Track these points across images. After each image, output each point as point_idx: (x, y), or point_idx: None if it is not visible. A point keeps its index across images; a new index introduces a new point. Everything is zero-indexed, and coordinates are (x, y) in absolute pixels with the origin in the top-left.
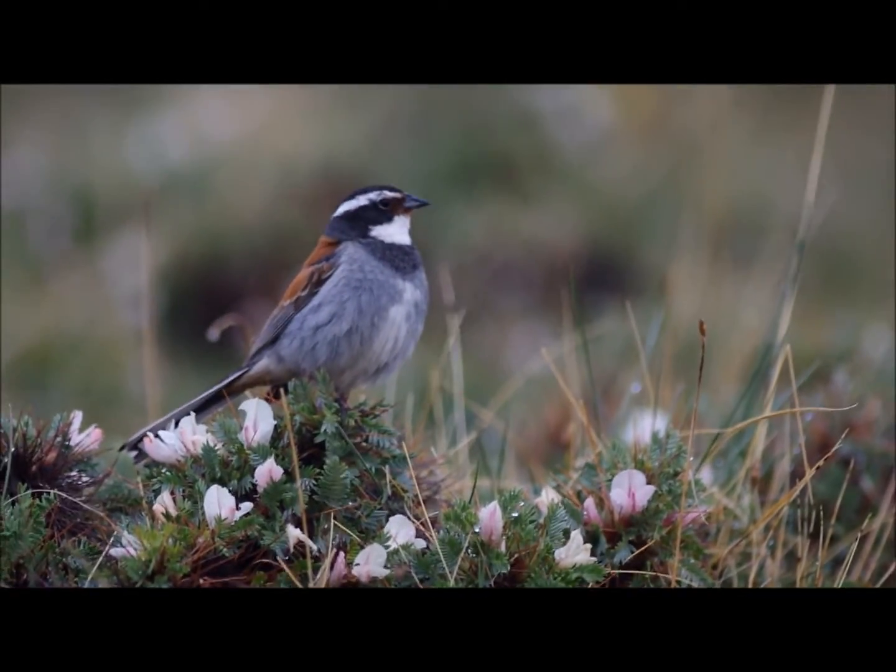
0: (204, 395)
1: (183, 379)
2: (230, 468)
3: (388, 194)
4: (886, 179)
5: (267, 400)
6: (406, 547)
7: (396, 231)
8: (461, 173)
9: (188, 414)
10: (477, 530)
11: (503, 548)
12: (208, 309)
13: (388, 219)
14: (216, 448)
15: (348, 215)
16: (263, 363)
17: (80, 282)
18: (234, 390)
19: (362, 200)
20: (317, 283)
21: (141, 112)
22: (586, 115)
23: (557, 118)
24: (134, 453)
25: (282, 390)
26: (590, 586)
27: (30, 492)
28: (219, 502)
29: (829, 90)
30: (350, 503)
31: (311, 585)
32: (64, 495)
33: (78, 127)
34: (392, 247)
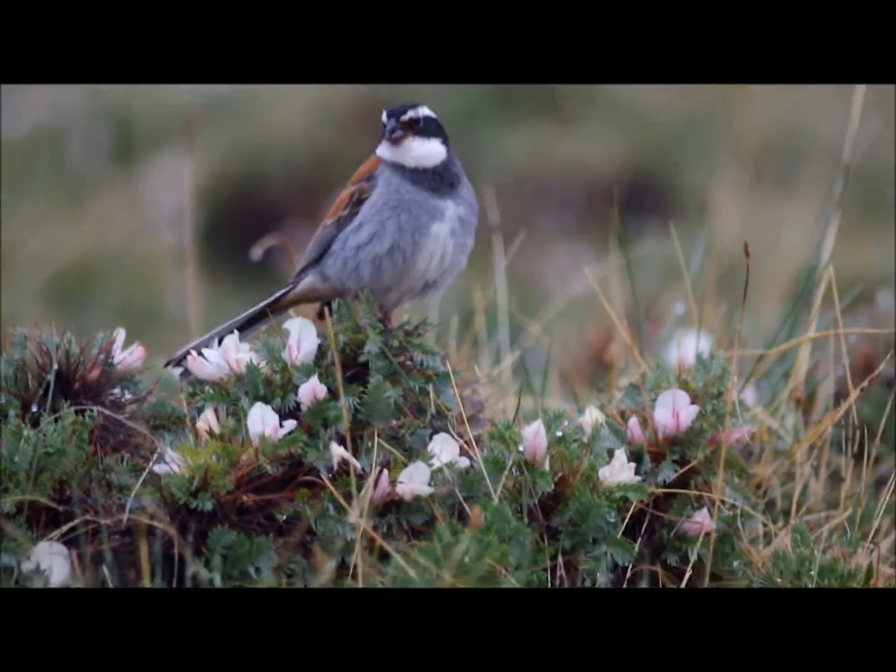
0: (249, 312)
1: (222, 298)
2: (274, 386)
3: (383, 118)
4: None
5: (322, 319)
6: (450, 465)
7: (384, 151)
8: (501, 95)
9: (233, 331)
10: (521, 449)
11: (547, 467)
12: (246, 228)
13: (379, 140)
14: (260, 366)
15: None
16: (308, 281)
17: (119, 201)
18: (279, 308)
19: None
20: (357, 202)
21: None
22: None
23: None
24: (179, 370)
25: (326, 310)
26: (633, 505)
27: (73, 409)
28: (262, 420)
29: None
30: (394, 422)
31: (354, 503)
32: (107, 412)
33: None
34: (416, 170)
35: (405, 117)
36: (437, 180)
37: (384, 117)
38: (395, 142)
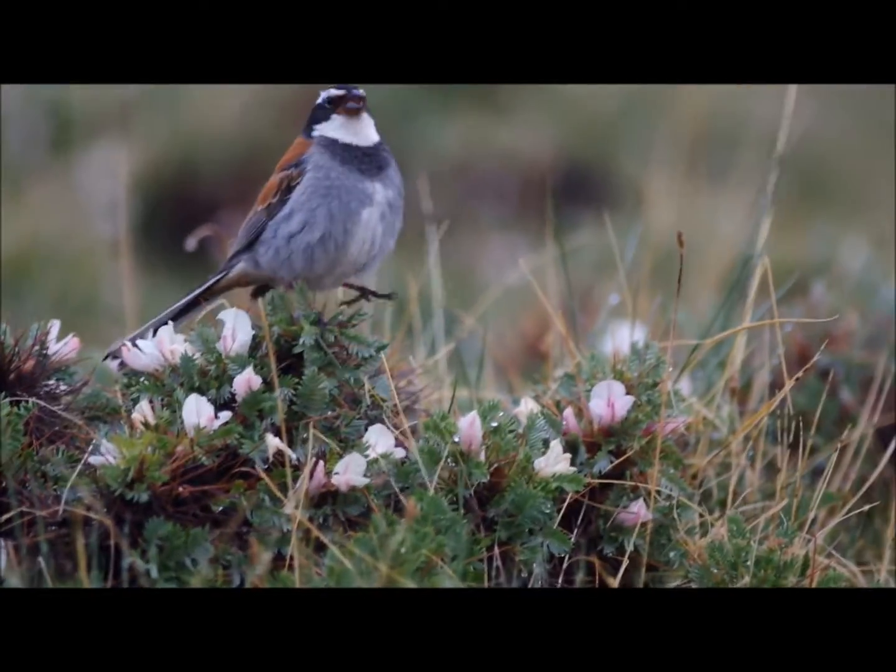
0: (184, 300)
1: (158, 289)
2: (209, 377)
3: (333, 92)
4: (860, 91)
5: (257, 299)
6: (385, 456)
7: (335, 129)
8: (435, 84)
9: (170, 319)
10: (456, 440)
11: (483, 457)
12: (183, 218)
13: (326, 117)
14: (194, 357)
15: (309, 116)
16: (241, 267)
17: (55, 192)
18: (214, 294)
19: (318, 99)
20: (287, 189)
21: None
22: None
23: None
24: (117, 361)
25: (259, 300)
26: (569, 496)
27: (8, 400)
28: (197, 411)
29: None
30: (329, 413)
31: (290, 494)
32: (42, 403)
33: None
34: (349, 148)
35: (360, 92)
36: (367, 161)
37: (334, 92)
38: (355, 112)
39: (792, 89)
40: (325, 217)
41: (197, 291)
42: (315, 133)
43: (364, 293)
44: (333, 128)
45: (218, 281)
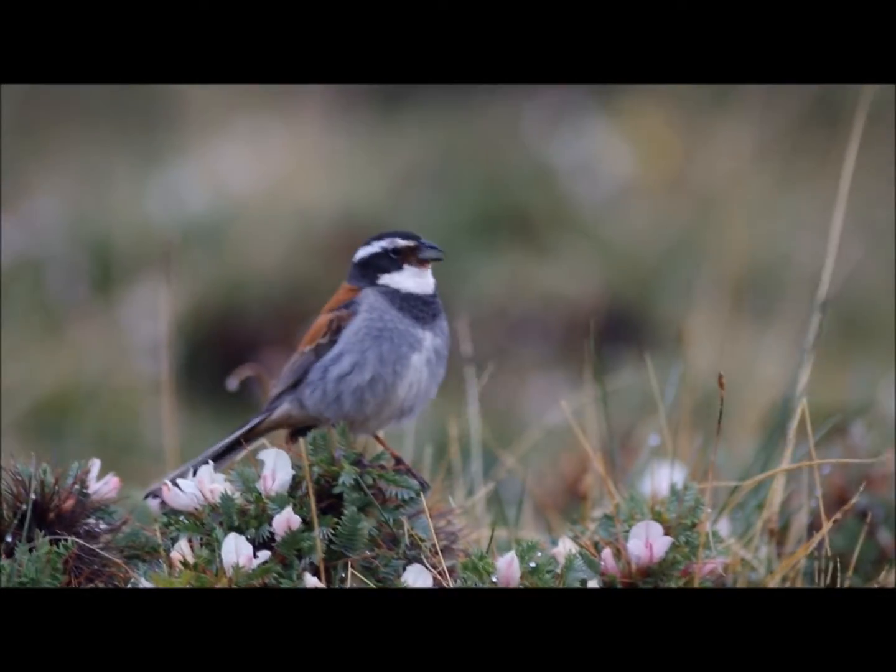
0: (226, 440)
1: (200, 428)
2: (248, 517)
3: (401, 242)
4: None
5: (294, 442)
6: None
7: (405, 280)
8: (480, 226)
9: (210, 459)
10: (494, 580)
11: None
12: (225, 358)
13: (397, 267)
14: (234, 497)
15: (362, 262)
16: (284, 408)
17: (97, 331)
18: (255, 434)
19: (375, 247)
20: (336, 330)
21: (161, 162)
22: (604, 168)
23: (575, 172)
24: (157, 501)
25: (301, 439)
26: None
27: (48, 539)
28: (236, 550)
29: (854, 145)
30: (368, 553)
31: None
32: (82, 542)
33: (98, 176)
34: (410, 297)
35: (433, 244)
36: (425, 310)
37: (402, 242)
38: (426, 263)
39: (836, 231)
40: (376, 358)
41: (238, 433)
42: (381, 282)
43: (399, 463)
44: (405, 278)
45: (261, 422)
